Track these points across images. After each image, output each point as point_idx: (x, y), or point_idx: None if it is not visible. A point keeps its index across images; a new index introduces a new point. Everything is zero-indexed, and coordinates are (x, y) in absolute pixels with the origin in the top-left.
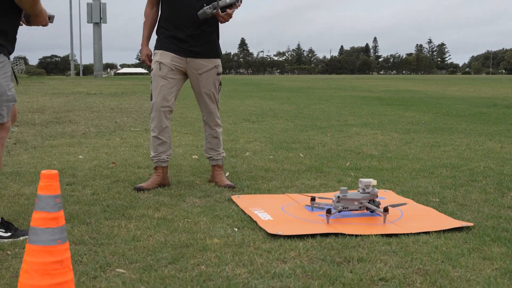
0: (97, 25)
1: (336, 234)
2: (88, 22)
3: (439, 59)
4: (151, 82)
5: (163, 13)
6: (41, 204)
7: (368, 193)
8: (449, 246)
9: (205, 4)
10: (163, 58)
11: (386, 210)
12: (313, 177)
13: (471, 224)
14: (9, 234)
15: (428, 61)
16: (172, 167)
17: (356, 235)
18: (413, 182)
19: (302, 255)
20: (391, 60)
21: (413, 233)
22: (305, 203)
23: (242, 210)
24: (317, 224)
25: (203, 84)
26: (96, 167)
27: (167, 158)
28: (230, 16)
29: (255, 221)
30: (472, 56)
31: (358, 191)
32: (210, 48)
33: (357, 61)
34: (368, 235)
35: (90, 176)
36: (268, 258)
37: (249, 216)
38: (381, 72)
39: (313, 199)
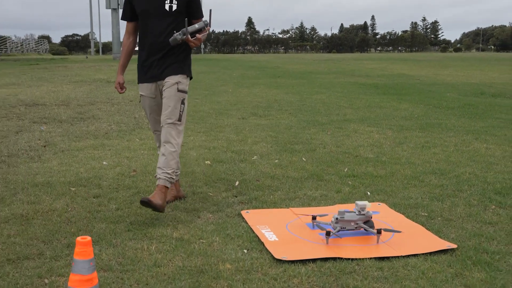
0: (115, 10)
1: (335, 259)
2: (106, 8)
3: (432, 36)
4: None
5: (139, 42)
6: (77, 268)
7: (364, 215)
8: (434, 271)
9: (175, 31)
10: (142, 90)
11: (379, 232)
12: (314, 186)
13: (455, 246)
14: None
15: (422, 38)
16: (187, 174)
17: (352, 259)
18: (404, 193)
19: (304, 282)
20: (388, 37)
21: (403, 256)
22: (307, 220)
23: (251, 228)
24: (317, 245)
25: (165, 99)
26: (119, 176)
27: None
28: (200, 40)
29: (262, 242)
30: (464, 33)
31: (355, 212)
32: (175, 67)
33: (356, 38)
34: (363, 258)
35: (114, 186)
36: (274, 286)
37: (257, 235)
38: (378, 49)
39: (314, 217)
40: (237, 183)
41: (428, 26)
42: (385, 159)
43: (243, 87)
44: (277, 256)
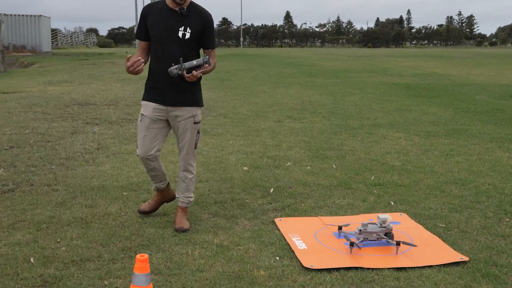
0: None
1: (357, 268)
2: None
3: (467, 30)
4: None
5: (150, 65)
6: (136, 280)
7: (385, 227)
8: (446, 282)
9: (173, 64)
10: (145, 110)
11: (398, 243)
12: (342, 195)
13: (467, 258)
14: None
15: (457, 32)
16: (226, 180)
17: (373, 269)
18: (425, 203)
19: None
20: (423, 31)
21: (419, 267)
22: (334, 229)
23: (283, 236)
24: (342, 255)
25: (181, 132)
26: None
27: (164, 185)
28: (196, 77)
29: (293, 250)
30: (499, 27)
31: (376, 225)
32: (190, 97)
33: (392, 32)
34: (382, 268)
35: None
36: None
37: (288, 243)
38: (413, 42)
39: (340, 228)
40: (271, 190)
41: (464, 20)
42: (410, 167)
43: (280, 87)
44: (305, 265)
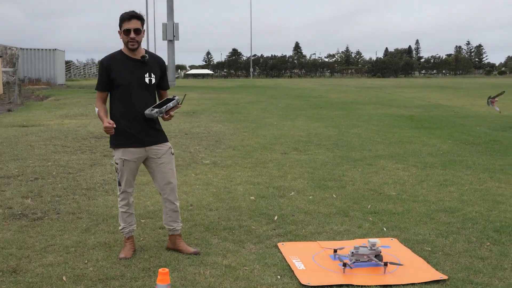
0: (171, 42)
1: (348, 285)
2: (163, 39)
3: (476, 60)
4: (117, 172)
5: (116, 110)
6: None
7: (374, 250)
8: None
9: (152, 108)
10: (125, 154)
11: (386, 264)
12: (340, 222)
13: (446, 277)
14: None
15: (466, 62)
16: (234, 208)
17: (362, 286)
18: (415, 229)
19: None
20: (432, 60)
21: (403, 284)
22: (330, 252)
23: (284, 258)
24: (336, 274)
25: (163, 166)
26: (179, 210)
27: (134, 228)
28: (172, 116)
29: (293, 270)
30: (508, 56)
31: (367, 248)
32: (161, 135)
33: (400, 61)
34: (370, 285)
35: None
36: None
37: (288, 264)
38: (423, 72)
39: (335, 251)
40: (276, 217)
41: (473, 50)
42: (405, 196)
43: (287, 119)
44: (303, 282)
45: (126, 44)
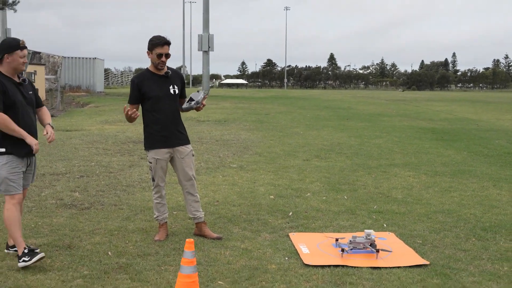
0: (206, 52)
1: (343, 266)
2: (198, 50)
3: None
4: (150, 169)
5: (148, 118)
6: (186, 255)
7: (369, 239)
8: (407, 277)
9: (187, 101)
10: (158, 154)
11: (377, 251)
12: (346, 218)
13: (427, 262)
14: (29, 258)
15: (503, 75)
16: (255, 205)
17: (355, 267)
18: (412, 226)
19: (319, 279)
20: (469, 74)
21: (390, 267)
22: (333, 241)
23: (293, 245)
24: (334, 257)
25: (186, 165)
26: (206, 204)
27: (166, 216)
28: (204, 105)
29: (298, 253)
30: None
31: (363, 237)
32: (185, 137)
33: (436, 74)
34: (362, 267)
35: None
36: (299, 279)
37: (296, 249)
38: (459, 85)
39: (336, 240)
40: (290, 213)
41: (511, 64)
42: (409, 199)
43: (313, 129)
44: (306, 262)
45: (156, 65)
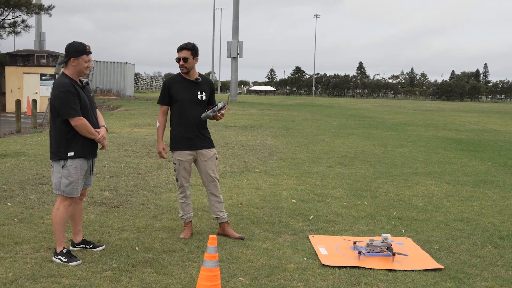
0: (234, 59)
1: (359, 267)
2: (227, 56)
3: None
4: (175, 170)
5: (174, 120)
6: (208, 250)
7: (386, 243)
8: (421, 279)
9: (206, 110)
10: (181, 156)
11: (394, 254)
12: (365, 223)
13: (442, 267)
14: (66, 260)
15: None
16: (277, 208)
17: (371, 269)
18: (430, 233)
19: (335, 278)
20: (500, 85)
21: (406, 270)
22: (351, 244)
23: (312, 246)
24: (351, 259)
25: (209, 167)
26: (230, 206)
27: (191, 215)
28: (223, 115)
29: (317, 254)
30: None
31: (381, 241)
32: (209, 141)
33: (467, 85)
34: (378, 269)
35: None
36: (316, 278)
37: (315, 251)
38: (490, 96)
39: (354, 242)
40: (311, 217)
41: None
42: (430, 207)
43: (338, 137)
44: (323, 262)
45: (179, 68)
